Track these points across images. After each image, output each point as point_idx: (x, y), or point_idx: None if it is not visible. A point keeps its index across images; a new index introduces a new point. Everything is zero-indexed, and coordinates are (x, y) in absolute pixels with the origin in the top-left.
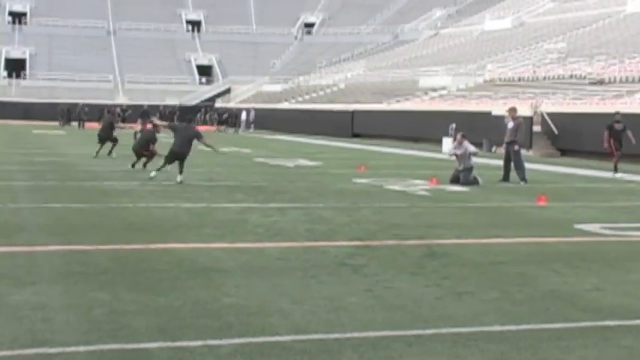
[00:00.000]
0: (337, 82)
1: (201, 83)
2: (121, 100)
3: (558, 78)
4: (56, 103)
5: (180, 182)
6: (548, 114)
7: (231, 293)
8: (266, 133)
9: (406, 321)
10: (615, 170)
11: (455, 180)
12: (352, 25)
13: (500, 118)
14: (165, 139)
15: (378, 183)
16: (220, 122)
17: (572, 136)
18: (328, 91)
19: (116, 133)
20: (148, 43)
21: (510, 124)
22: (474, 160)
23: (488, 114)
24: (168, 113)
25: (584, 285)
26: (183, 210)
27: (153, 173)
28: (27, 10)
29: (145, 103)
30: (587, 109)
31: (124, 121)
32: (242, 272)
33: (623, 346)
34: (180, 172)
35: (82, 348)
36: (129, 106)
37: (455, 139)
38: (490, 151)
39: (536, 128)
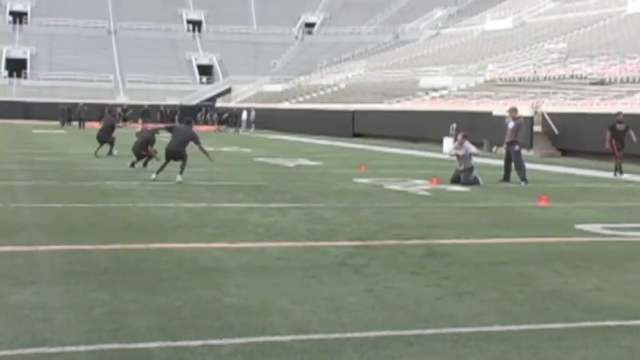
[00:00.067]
0: (338, 82)
1: (201, 83)
2: (122, 99)
3: (559, 78)
4: (57, 103)
5: (180, 182)
6: (549, 114)
7: (231, 293)
8: (267, 133)
9: (407, 321)
10: (619, 171)
11: (455, 180)
12: (353, 25)
13: (500, 118)
14: (166, 140)
15: (378, 183)
16: (221, 122)
17: (572, 137)
18: (329, 91)
19: (116, 133)
20: (149, 42)
21: (511, 124)
22: (475, 160)
23: (488, 114)
24: (169, 113)
25: (585, 285)
26: (183, 210)
27: (153, 175)
28: (28, 9)
29: (146, 102)
30: (588, 109)
31: (125, 120)
32: (242, 272)
33: (623, 346)
34: (180, 172)
35: (82, 348)
36: (130, 106)
37: (456, 140)
38: (491, 151)
39: (537, 128)
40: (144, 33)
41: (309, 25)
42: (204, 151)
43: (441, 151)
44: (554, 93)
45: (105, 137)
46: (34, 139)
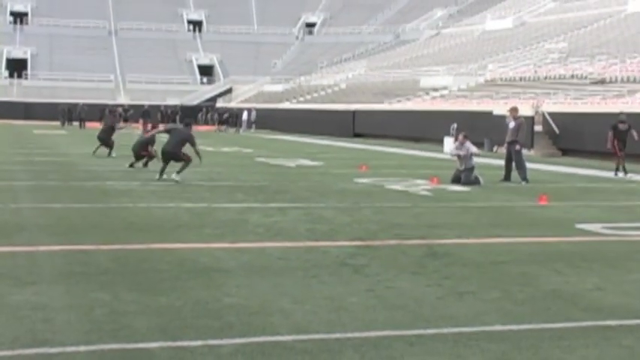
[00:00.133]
0: (338, 82)
1: (202, 83)
2: (122, 100)
3: (559, 78)
4: (57, 103)
5: (177, 182)
6: (550, 114)
7: (232, 293)
8: (267, 133)
9: (407, 321)
10: (623, 171)
11: (456, 180)
12: (353, 25)
13: (501, 118)
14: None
15: (379, 183)
16: (221, 122)
17: (573, 136)
18: (329, 91)
19: (117, 134)
20: (149, 43)
21: (512, 124)
22: (475, 159)
23: (489, 114)
24: (170, 113)
25: (586, 285)
26: (183, 210)
27: (157, 177)
28: (28, 10)
29: (146, 103)
30: (589, 108)
31: (125, 121)
32: (243, 272)
33: (624, 346)
34: (178, 171)
35: (82, 348)
36: (130, 106)
37: (456, 140)
38: (491, 150)
39: (538, 128)
40: (144, 33)
41: (310, 25)
42: (197, 153)
43: (441, 151)
44: (554, 93)
45: (105, 138)
46: (34, 140)
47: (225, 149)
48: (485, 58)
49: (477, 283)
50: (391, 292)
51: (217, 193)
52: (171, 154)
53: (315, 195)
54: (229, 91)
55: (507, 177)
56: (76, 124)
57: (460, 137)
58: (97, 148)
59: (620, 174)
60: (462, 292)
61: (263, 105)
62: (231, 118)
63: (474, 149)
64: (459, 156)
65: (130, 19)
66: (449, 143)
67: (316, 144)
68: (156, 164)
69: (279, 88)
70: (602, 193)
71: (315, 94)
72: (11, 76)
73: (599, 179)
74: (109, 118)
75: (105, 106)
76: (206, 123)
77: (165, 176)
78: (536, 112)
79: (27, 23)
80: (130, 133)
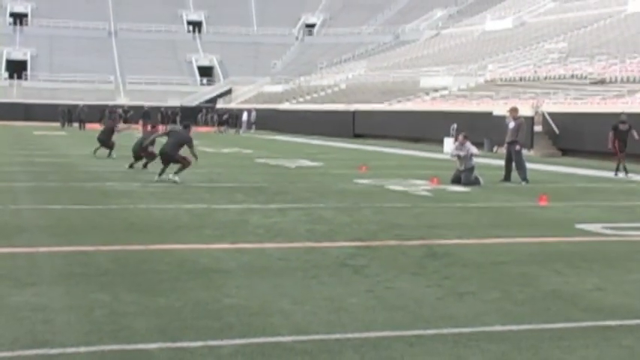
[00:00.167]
0: (338, 82)
1: (202, 84)
2: (122, 101)
3: (559, 78)
4: (57, 105)
5: (175, 182)
6: (550, 114)
7: (232, 294)
8: (267, 134)
9: (407, 321)
10: (624, 171)
11: (456, 180)
12: (353, 26)
13: (501, 118)
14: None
15: (379, 183)
16: (220, 123)
17: (573, 136)
18: (329, 91)
19: (116, 136)
20: (149, 44)
21: (511, 124)
22: (475, 160)
23: (489, 114)
24: (170, 114)
25: (586, 285)
26: (183, 211)
27: (156, 177)
28: (28, 11)
29: (146, 104)
30: (588, 109)
31: (125, 121)
32: (243, 273)
33: (624, 346)
34: (176, 172)
35: (82, 349)
36: (130, 107)
37: (456, 140)
38: (491, 151)
39: (538, 128)
40: (144, 34)
41: (310, 26)
42: (193, 154)
43: (441, 152)
44: (554, 93)
45: (105, 139)
46: (34, 141)
47: (225, 150)
48: (485, 58)
49: (477, 284)
50: (391, 293)
51: (217, 194)
52: (168, 156)
53: (315, 195)
54: (229, 91)
55: (507, 177)
56: (76, 125)
57: (460, 138)
58: (97, 148)
59: (621, 174)
60: (461, 293)
61: (263, 106)
62: (230, 119)
63: (474, 150)
64: (458, 156)
65: (130, 20)
66: (449, 144)
67: (316, 144)
68: (155, 165)
69: (278, 88)
70: (602, 193)
71: (315, 95)
72: (11, 77)
73: (599, 179)
74: (108, 120)
75: (105, 107)
76: (206, 124)
77: (164, 176)
78: (536, 113)
79: (27, 24)
80: (130, 134)
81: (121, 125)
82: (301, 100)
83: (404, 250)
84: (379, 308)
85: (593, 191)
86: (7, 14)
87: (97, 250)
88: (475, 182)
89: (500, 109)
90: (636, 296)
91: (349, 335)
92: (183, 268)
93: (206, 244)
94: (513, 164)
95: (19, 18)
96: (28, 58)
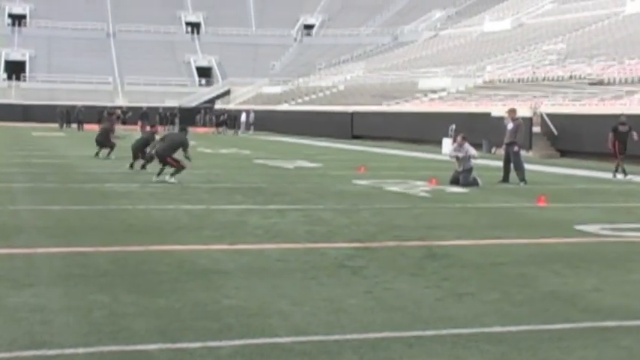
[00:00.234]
0: (337, 83)
1: (200, 85)
2: (121, 102)
3: (558, 79)
4: (55, 105)
5: (173, 183)
6: (548, 115)
7: (230, 295)
8: (266, 135)
9: (406, 322)
10: (622, 172)
11: (455, 181)
12: (352, 27)
13: (499, 119)
14: None
15: (377, 184)
16: (219, 124)
17: (571, 137)
18: (328, 92)
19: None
20: (148, 45)
21: (510, 125)
22: (474, 161)
23: (487, 115)
24: (169, 115)
25: (584, 286)
26: (182, 212)
27: (154, 178)
28: (26, 12)
29: (145, 105)
30: (587, 110)
31: (124, 123)
32: (242, 274)
33: (622, 347)
34: (172, 174)
35: (81, 350)
36: (129, 108)
37: (455, 141)
38: (490, 152)
39: (536, 129)
40: (143, 35)
41: (308, 27)
42: (187, 157)
43: (440, 153)
44: (552, 94)
45: (103, 141)
46: (33, 142)
47: (224, 151)
48: (484, 59)
49: (476, 285)
50: (390, 294)
51: (216, 194)
52: (162, 157)
53: (314, 197)
54: (228, 92)
55: (506, 178)
56: (74, 126)
57: (459, 139)
58: (99, 150)
59: (619, 175)
60: (460, 294)
61: (261, 107)
62: (229, 120)
63: (472, 151)
64: (457, 157)
65: (129, 21)
66: (447, 145)
67: (315, 145)
68: (154, 166)
69: (277, 89)
70: (600, 195)
71: (314, 96)
72: (9, 78)
73: (597, 180)
74: (106, 122)
75: (103, 108)
76: (204, 125)
77: (155, 178)
78: (535, 114)
79: (25, 25)
80: (129, 135)
81: (119, 132)
82: (300, 101)
83: (403, 251)
84: (378, 309)
85: (591, 192)
86: (6, 15)
87: (96, 251)
88: (474, 183)
89: (498, 110)
90: (635, 297)
91: (348, 336)
92: (182, 269)
93: (205, 245)
94: (512, 165)
95: (17, 19)
96: (26, 58)
